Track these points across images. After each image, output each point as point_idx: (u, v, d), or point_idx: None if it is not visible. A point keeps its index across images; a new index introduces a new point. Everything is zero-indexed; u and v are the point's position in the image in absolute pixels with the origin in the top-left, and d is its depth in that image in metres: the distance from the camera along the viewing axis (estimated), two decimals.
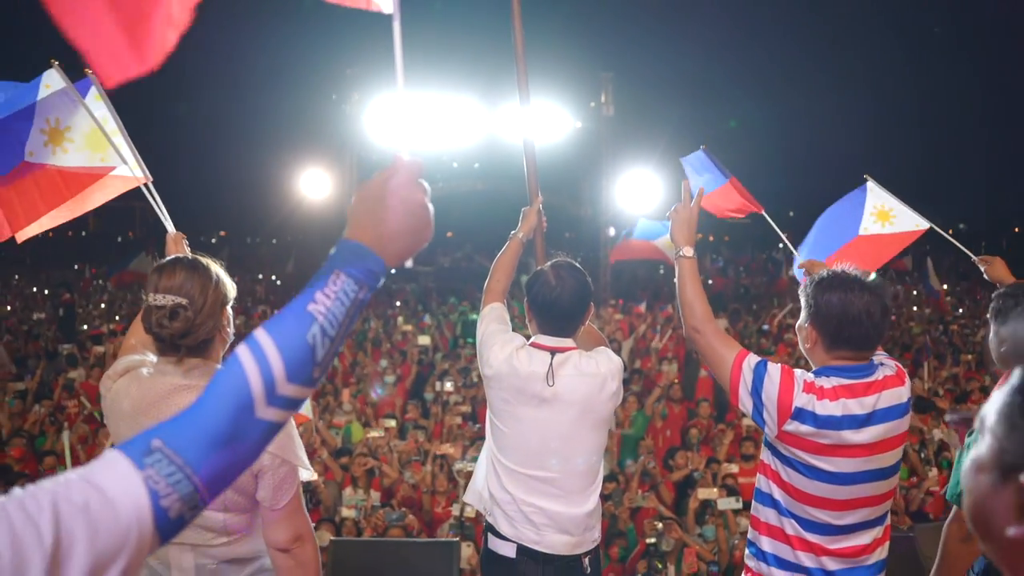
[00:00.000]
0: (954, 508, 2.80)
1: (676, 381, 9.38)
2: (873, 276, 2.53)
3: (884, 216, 4.69)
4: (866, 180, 4.78)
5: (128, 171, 3.31)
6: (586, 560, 2.91)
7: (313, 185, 23.09)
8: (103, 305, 19.77)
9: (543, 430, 2.84)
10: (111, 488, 0.95)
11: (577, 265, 3.01)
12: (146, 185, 3.31)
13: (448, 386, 9.03)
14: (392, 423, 7.65)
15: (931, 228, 4.55)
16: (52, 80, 3.27)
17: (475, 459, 6.24)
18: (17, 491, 0.93)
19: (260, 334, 1.10)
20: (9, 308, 19.49)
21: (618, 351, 11.71)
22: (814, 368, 2.57)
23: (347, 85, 23.82)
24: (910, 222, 4.62)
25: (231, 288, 2.31)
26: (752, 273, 26.95)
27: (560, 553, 2.84)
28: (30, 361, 11.77)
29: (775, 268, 25.40)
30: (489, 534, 2.97)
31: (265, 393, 1.08)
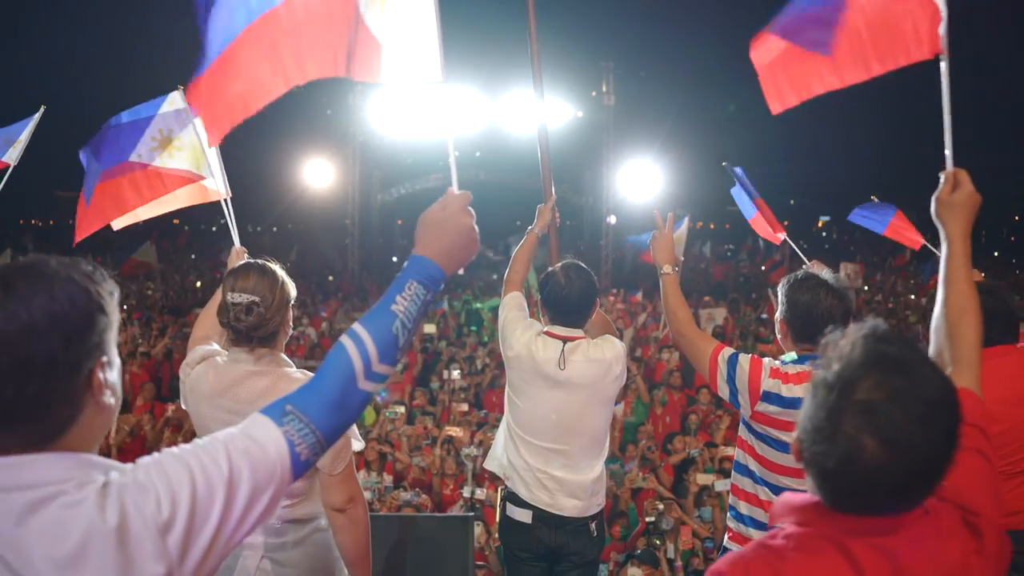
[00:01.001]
0: None
1: (676, 369, 9.62)
2: (842, 276, 2.83)
3: None
4: None
5: (214, 185, 3.79)
6: (592, 524, 3.31)
7: (315, 174, 23.19)
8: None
9: (555, 408, 3.23)
10: (261, 438, 1.32)
11: (584, 266, 3.37)
12: (225, 200, 3.79)
13: (455, 374, 9.30)
14: (401, 409, 7.90)
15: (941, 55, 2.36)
16: (175, 101, 3.78)
17: (480, 445, 6.59)
18: (197, 441, 1.31)
19: (359, 328, 1.48)
20: None
21: (620, 338, 12.00)
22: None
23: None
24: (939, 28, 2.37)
25: (293, 289, 2.64)
26: (752, 262, 27.09)
27: (571, 515, 3.23)
28: None
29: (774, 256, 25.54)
30: (507, 503, 3.37)
31: (364, 370, 1.45)
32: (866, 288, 20.16)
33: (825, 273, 2.88)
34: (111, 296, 1.31)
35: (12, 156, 4.62)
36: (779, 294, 2.92)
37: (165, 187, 3.78)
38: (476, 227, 1.71)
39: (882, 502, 1.29)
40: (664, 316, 3.41)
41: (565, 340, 3.25)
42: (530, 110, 21.36)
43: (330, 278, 24.48)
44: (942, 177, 2.09)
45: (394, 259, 33.53)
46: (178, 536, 1.18)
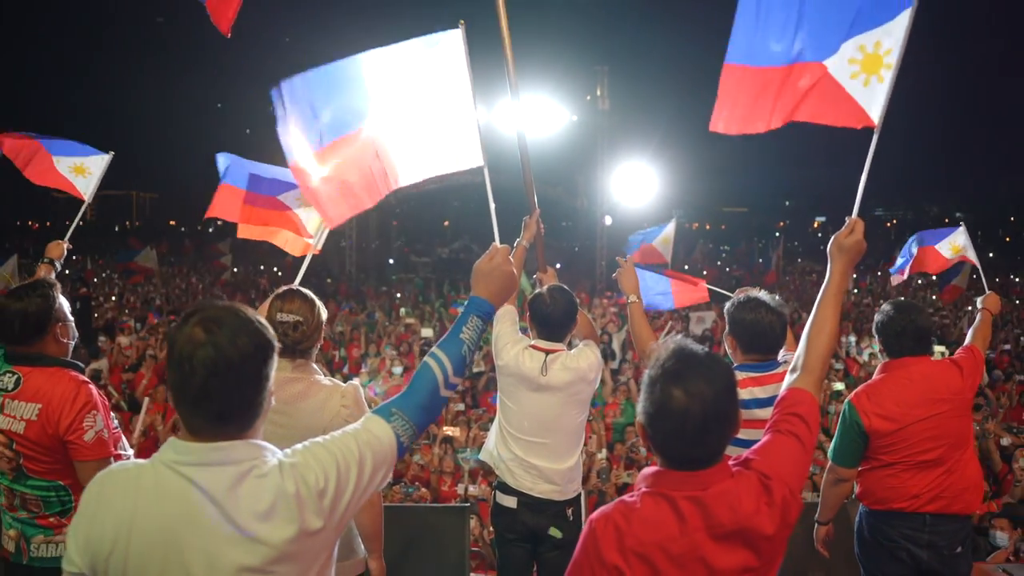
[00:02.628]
0: (830, 462, 3.64)
1: None
2: (777, 298, 3.27)
3: (872, 66, 2.95)
4: None
5: (313, 243, 4.51)
6: (569, 510, 3.81)
7: None
8: (114, 298, 20.29)
9: (538, 408, 3.77)
10: (378, 432, 1.86)
11: (566, 289, 3.90)
12: (312, 255, 4.44)
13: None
14: None
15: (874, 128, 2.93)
16: None
17: (477, 452, 6.96)
18: (335, 434, 1.84)
19: (438, 351, 2.03)
20: None
21: (609, 342, 12.42)
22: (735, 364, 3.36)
23: None
24: (876, 106, 2.94)
25: (325, 312, 3.14)
26: (743, 265, 27.46)
27: (550, 498, 3.74)
28: None
29: (765, 261, 25.89)
30: (497, 491, 3.89)
31: (444, 383, 2.00)
32: (855, 291, 20.54)
33: (763, 295, 3.37)
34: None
35: (87, 191, 5.05)
36: (725, 314, 3.44)
37: (282, 223, 4.60)
38: (516, 272, 2.30)
39: (691, 446, 1.85)
40: (634, 339, 3.91)
41: (547, 352, 3.78)
42: (523, 116, 21.63)
43: (328, 280, 24.80)
44: (847, 220, 2.52)
45: (390, 261, 33.72)
46: (329, 499, 1.73)
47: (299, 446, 1.80)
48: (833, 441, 3.67)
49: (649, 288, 5.62)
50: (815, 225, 71.96)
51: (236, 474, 1.68)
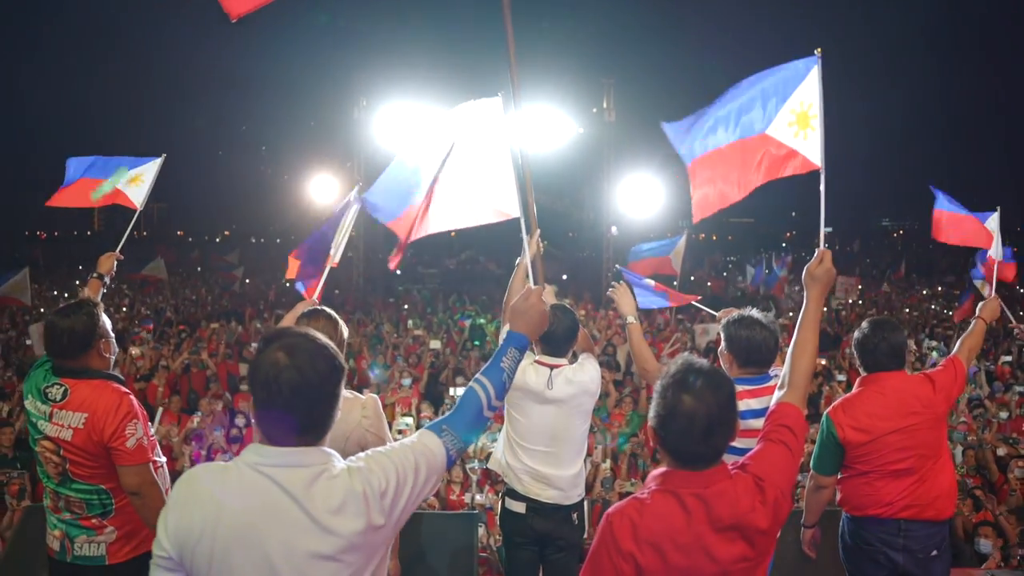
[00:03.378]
0: (811, 470, 3.88)
1: None
2: (770, 316, 3.46)
3: (803, 122, 3.53)
4: (816, 54, 3.50)
5: (334, 252, 4.74)
6: (574, 515, 4.09)
7: (320, 189, 23.63)
8: (124, 308, 20.47)
9: (544, 419, 4.06)
10: (431, 445, 2.18)
11: (568, 308, 4.17)
12: (331, 268, 4.71)
13: (462, 391, 9.84)
14: (409, 420, 8.40)
15: (819, 170, 3.47)
16: (352, 195, 4.84)
17: (484, 462, 7.13)
18: (394, 445, 2.16)
19: (482, 378, 2.38)
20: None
21: (614, 354, 12.58)
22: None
23: (355, 91, 24.37)
24: (815, 149, 3.49)
25: (347, 331, 3.37)
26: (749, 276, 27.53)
27: (556, 503, 4.00)
28: None
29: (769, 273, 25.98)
30: (506, 497, 4.14)
31: (487, 405, 2.33)
32: (859, 302, 20.65)
33: (756, 313, 3.63)
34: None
35: (139, 199, 5.25)
36: (721, 332, 3.68)
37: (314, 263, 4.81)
38: (547, 309, 2.69)
39: (695, 446, 2.17)
40: (635, 358, 4.25)
41: (552, 367, 4.07)
42: (524, 136, 22.12)
43: (336, 291, 24.96)
44: (816, 250, 2.88)
45: (398, 272, 33.89)
46: (389, 500, 2.02)
47: (363, 454, 2.12)
48: (813, 451, 3.91)
49: (644, 292, 5.81)
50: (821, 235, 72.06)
51: (311, 475, 1.97)
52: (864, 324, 4.03)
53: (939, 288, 29.01)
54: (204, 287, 28.02)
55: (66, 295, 23.12)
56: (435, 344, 13.16)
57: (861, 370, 3.99)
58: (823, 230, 3.24)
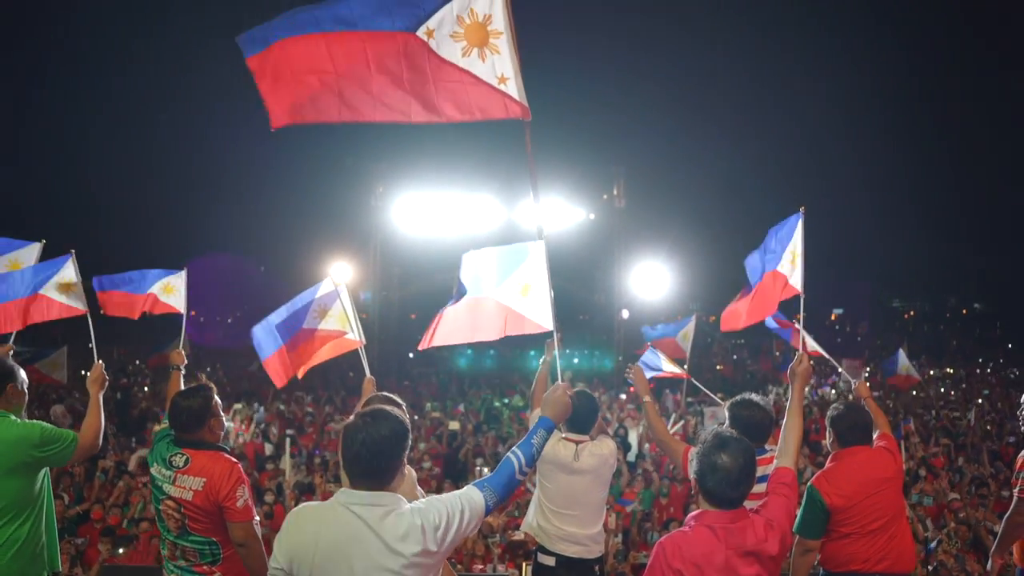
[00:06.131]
0: (797, 537, 4.28)
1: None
2: (768, 399, 4.05)
3: (793, 260, 5.02)
4: (800, 211, 4.97)
5: (353, 336, 5.40)
6: (596, 567, 4.76)
7: (338, 273, 24.12)
8: (146, 388, 20.89)
9: (571, 487, 4.74)
10: (475, 497, 2.84)
11: (588, 392, 4.86)
12: (361, 347, 5.32)
13: (486, 470, 10.35)
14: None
15: (800, 295, 4.96)
16: (327, 286, 5.46)
17: (504, 538, 7.54)
18: (449, 494, 2.84)
19: (517, 451, 3.03)
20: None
21: (625, 435, 13.00)
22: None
23: (372, 178, 25.13)
24: (798, 279, 4.96)
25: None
26: (756, 358, 27.88)
27: (581, 557, 4.67)
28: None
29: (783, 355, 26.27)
30: (538, 552, 4.81)
31: (519, 470, 2.99)
32: (868, 384, 20.86)
33: (756, 397, 4.34)
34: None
35: (180, 305, 6.02)
36: (726, 412, 4.36)
37: (321, 343, 5.48)
38: (570, 400, 3.41)
39: (729, 491, 2.92)
40: (651, 431, 5.11)
41: (577, 443, 4.77)
42: (542, 220, 22.47)
43: (351, 374, 25.28)
44: (798, 354, 3.89)
45: (410, 355, 34.13)
46: (441, 533, 2.67)
47: (424, 499, 2.84)
48: (798, 519, 4.32)
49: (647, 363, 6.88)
50: (832, 318, 72.02)
51: (384, 512, 2.68)
52: (839, 405, 4.64)
53: (948, 370, 29.24)
54: (222, 367, 28.43)
55: (83, 372, 23.55)
56: (453, 425, 13.66)
57: (835, 444, 4.53)
58: (804, 337, 4.43)
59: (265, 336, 5.56)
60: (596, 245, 25.77)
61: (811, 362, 4.03)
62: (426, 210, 24.54)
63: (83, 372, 24.71)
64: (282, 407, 16.30)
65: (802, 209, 4.92)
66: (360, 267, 24.94)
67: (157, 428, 4.33)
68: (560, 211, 23.27)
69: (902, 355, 14.36)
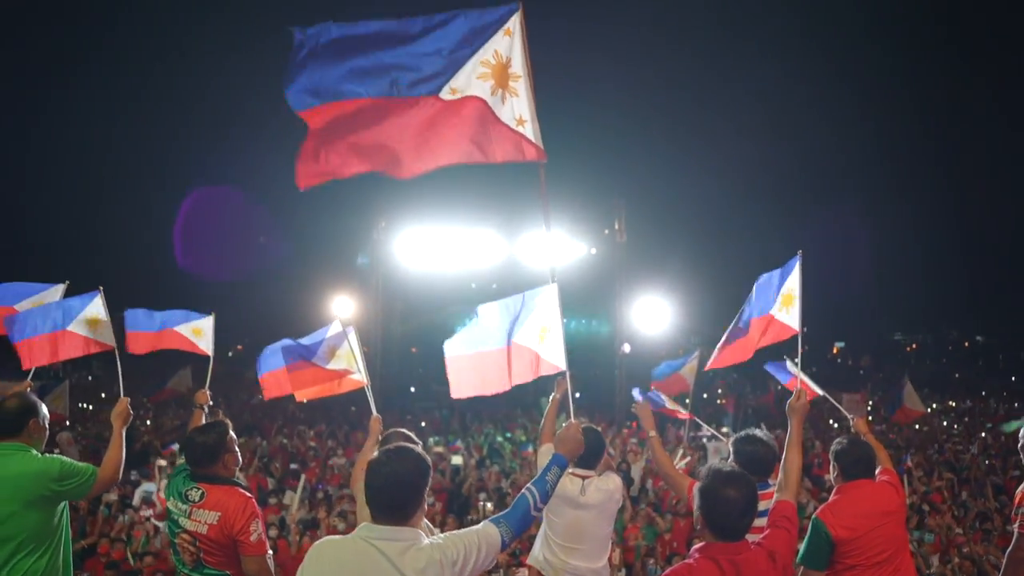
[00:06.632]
0: (801, 568, 4.30)
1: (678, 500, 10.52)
2: (770, 435, 4.13)
3: (788, 301, 5.18)
4: (798, 254, 5.13)
5: (360, 376, 5.46)
6: None
7: (341, 308, 24.28)
8: (148, 422, 20.85)
9: (577, 522, 4.85)
10: (491, 533, 2.96)
11: (595, 428, 4.98)
12: (367, 386, 5.36)
13: (489, 506, 10.38)
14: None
15: (800, 333, 5.14)
16: (335, 327, 5.52)
17: (508, 575, 7.54)
18: (467, 530, 2.94)
19: (532, 487, 3.19)
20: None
21: (628, 471, 12.99)
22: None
23: (375, 212, 25.26)
24: (795, 320, 5.11)
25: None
26: (758, 393, 27.84)
27: None
28: None
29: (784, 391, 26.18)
30: None
31: (533, 506, 3.15)
32: (870, 418, 20.87)
33: (759, 432, 4.47)
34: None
35: (208, 348, 6.16)
36: (731, 447, 4.46)
37: (328, 379, 5.58)
38: (583, 437, 3.64)
39: (732, 523, 3.01)
40: (656, 467, 5.12)
41: (584, 478, 4.87)
42: (555, 262, 22.51)
43: (352, 409, 25.24)
44: (795, 390, 4.10)
45: (412, 389, 34.01)
46: (458, 569, 2.76)
47: (442, 535, 2.92)
48: (801, 551, 4.37)
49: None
50: (834, 351, 71.92)
51: (404, 546, 2.76)
52: (843, 439, 4.67)
53: (950, 403, 29.21)
54: (224, 401, 28.38)
55: (89, 407, 23.62)
56: (456, 460, 13.64)
57: (839, 477, 4.57)
58: (799, 376, 4.72)
59: (271, 355, 5.73)
60: (598, 279, 25.79)
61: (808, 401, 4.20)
62: (428, 244, 24.69)
63: (80, 405, 24.87)
64: (284, 441, 16.29)
65: (800, 252, 5.10)
66: (362, 301, 25.00)
67: (178, 461, 4.48)
68: (562, 246, 23.36)
69: (909, 387, 14.31)
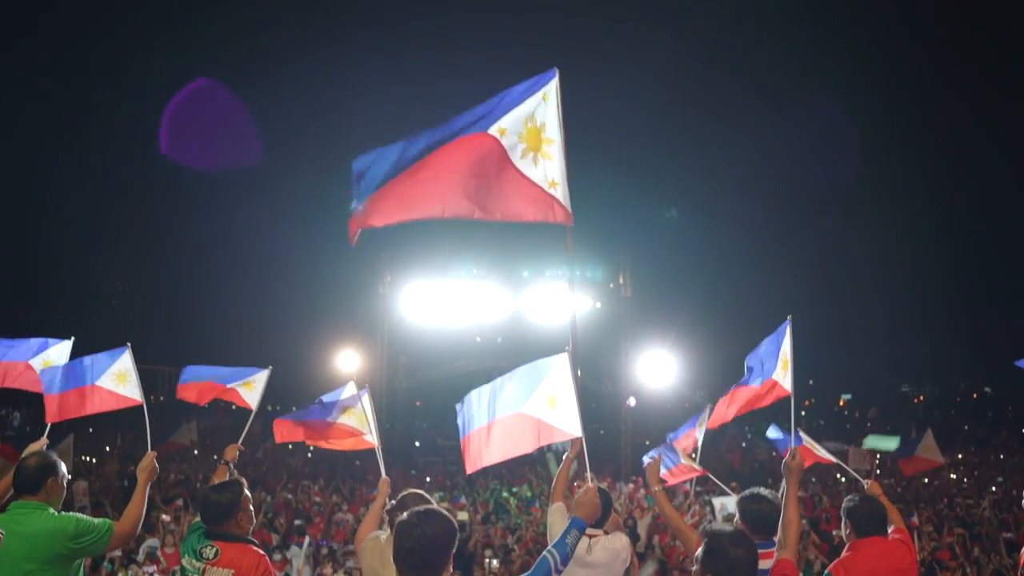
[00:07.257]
0: None
1: (685, 556, 10.45)
2: (775, 493, 4.18)
3: (785, 366, 5.35)
4: (789, 319, 5.25)
5: (371, 438, 5.57)
6: None
7: (346, 362, 24.37)
8: None
9: None
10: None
11: (604, 490, 4.86)
12: (377, 448, 5.48)
13: (495, 563, 10.31)
14: None
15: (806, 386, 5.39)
16: (351, 389, 5.64)
17: None
18: None
19: (552, 550, 3.38)
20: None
21: (634, 527, 12.91)
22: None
23: (380, 267, 25.38)
24: (788, 382, 5.28)
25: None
26: (766, 446, 27.62)
27: None
28: None
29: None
30: None
31: (555, 568, 3.33)
32: (878, 471, 20.70)
33: (764, 491, 4.53)
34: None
35: (253, 401, 6.28)
36: (736, 506, 4.55)
37: (339, 435, 5.68)
38: (599, 501, 3.89)
39: None
40: (666, 520, 5.23)
41: (591, 537, 4.78)
42: (552, 303, 23.27)
43: (356, 463, 25.12)
44: (790, 449, 4.23)
45: (416, 444, 33.83)
46: None
47: None
48: None
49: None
50: (840, 403, 71.33)
51: None
52: (855, 496, 4.72)
53: (959, 456, 28.95)
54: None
55: (93, 460, 23.56)
56: (462, 516, 13.52)
57: (851, 534, 4.59)
58: (793, 433, 4.88)
59: (290, 415, 5.92)
60: (602, 334, 25.84)
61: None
62: (433, 299, 24.80)
63: (83, 457, 24.76)
64: (289, 496, 16.20)
65: (789, 318, 5.23)
66: (368, 355, 25.05)
67: (193, 521, 4.53)
68: (565, 300, 23.43)
69: (930, 438, 14.22)
